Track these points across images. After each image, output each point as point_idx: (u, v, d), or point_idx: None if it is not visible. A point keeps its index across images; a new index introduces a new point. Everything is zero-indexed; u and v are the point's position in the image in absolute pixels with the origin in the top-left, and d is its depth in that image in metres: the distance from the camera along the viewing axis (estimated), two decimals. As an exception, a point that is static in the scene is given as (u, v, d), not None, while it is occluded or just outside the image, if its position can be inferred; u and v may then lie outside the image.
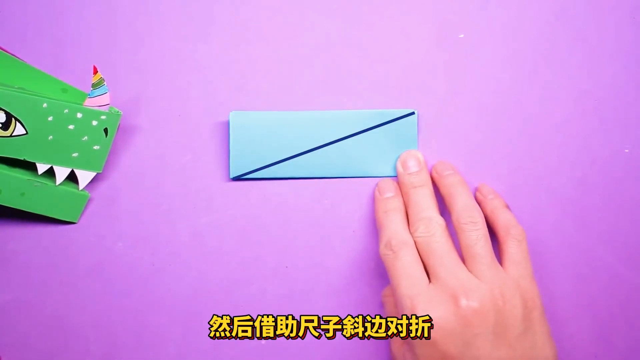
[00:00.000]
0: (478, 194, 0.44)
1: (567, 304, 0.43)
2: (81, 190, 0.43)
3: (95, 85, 0.40)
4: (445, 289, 0.38)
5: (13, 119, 0.40)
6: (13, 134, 0.40)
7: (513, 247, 0.41)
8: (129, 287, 0.44)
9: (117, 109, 0.42)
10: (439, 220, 0.41)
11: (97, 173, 0.43)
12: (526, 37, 0.44)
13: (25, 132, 0.41)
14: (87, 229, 0.44)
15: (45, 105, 0.40)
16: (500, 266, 0.40)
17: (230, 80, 0.44)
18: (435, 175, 0.43)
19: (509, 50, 0.44)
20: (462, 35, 0.44)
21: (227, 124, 0.44)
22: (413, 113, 0.44)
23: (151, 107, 0.44)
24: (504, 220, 0.42)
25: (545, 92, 0.44)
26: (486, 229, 0.40)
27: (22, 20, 0.43)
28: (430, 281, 0.39)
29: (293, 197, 0.44)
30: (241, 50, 0.44)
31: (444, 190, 0.43)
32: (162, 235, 0.44)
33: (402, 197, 0.43)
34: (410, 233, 0.41)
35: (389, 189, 0.43)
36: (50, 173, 0.42)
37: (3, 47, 0.43)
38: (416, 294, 0.38)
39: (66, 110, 0.41)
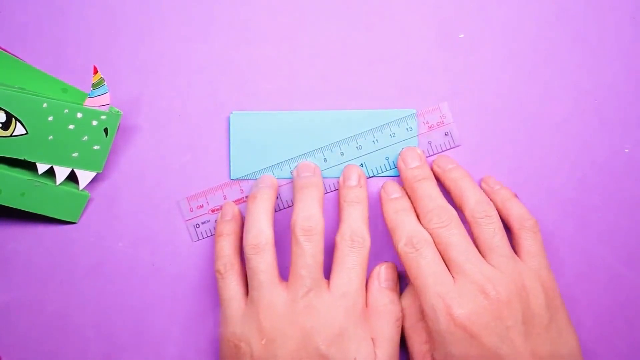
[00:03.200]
0: (484, 185, 0.43)
1: (567, 304, 0.43)
2: (81, 190, 0.43)
3: (95, 85, 0.40)
4: (473, 284, 0.38)
5: (13, 119, 0.40)
6: (13, 134, 0.41)
7: (529, 239, 0.41)
8: (129, 287, 0.44)
9: (117, 109, 0.42)
10: (450, 209, 0.40)
11: (97, 173, 0.43)
12: (526, 37, 0.44)
13: (25, 132, 0.41)
14: (87, 229, 0.44)
15: (45, 105, 0.40)
16: (518, 257, 0.40)
17: (230, 80, 0.44)
18: (437, 169, 0.43)
19: (509, 50, 0.44)
20: (462, 35, 0.44)
21: (227, 124, 0.44)
22: (413, 113, 0.44)
23: (151, 107, 0.44)
24: (517, 212, 0.42)
25: (545, 92, 0.44)
26: (500, 222, 0.41)
27: (22, 20, 0.43)
28: (453, 276, 0.39)
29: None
30: (241, 50, 0.44)
31: (450, 184, 0.42)
32: (162, 235, 0.44)
33: (407, 194, 0.43)
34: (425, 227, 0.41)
35: (396, 190, 0.43)
36: (50, 173, 0.42)
37: (3, 47, 0.43)
38: (447, 292, 0.38)
39: (66, 110, 0.41)
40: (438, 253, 0.40)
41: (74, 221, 0.44)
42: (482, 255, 0.40)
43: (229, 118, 0.44)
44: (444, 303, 0.38)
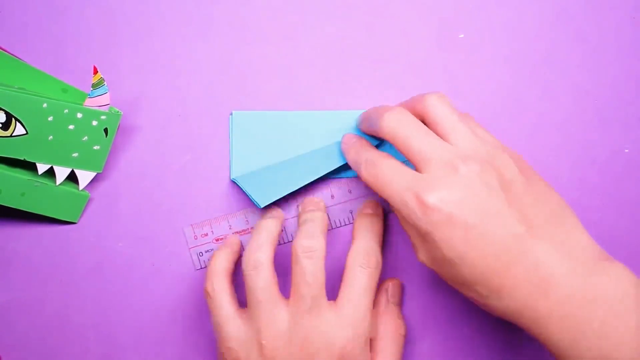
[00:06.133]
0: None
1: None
2: (81, 190, 0.43)
3: (95, 85, 0.40)
4: (440, 165, 0.36)
5: (13, 119, 0.40)
6: (13, 134, 0.41)
7: (471, 123, 0.39)
8: (129, 287, 0.44)
9: (117, 109, 0.42)
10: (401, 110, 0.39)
11: (97, 173, 0.43)
12: (526, 37, 0.44)
13: (25, 132, 0.41)
14: (87, 229, 0.44)
15: (45, 105, 0.40)
16: (475, 131, 0.38)
17: (230, 80, 0.44)
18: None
19: (509, 50, 0.44)
20: (462, 35, 0.44)
21: (228, 123, 0.44)
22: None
23: (151, 107, 0.44)
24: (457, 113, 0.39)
25: (545, 92, 0.44)
26: (452, 107, 0.38)
27: (22, 20, 0.43)
28: (419, 170, 0.37)
29: (294, 196, 0.44)
30: (241, 50, 0.44)
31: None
32: (162, 235, 0.44)
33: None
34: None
35: (352, 137, 0.42)
36: (50, 173, 0.42)
37: (3, 47, 0.43)
38: (414, 182, 0.36)
39: (66, 110, 0.41)
40: (398, 161, 0.38)
41: (74, 221, 0.44)
42: (445, 139, 0.37)
43: (229, 117, 0.44)
44: (413, 193, 0.35)
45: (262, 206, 0.41)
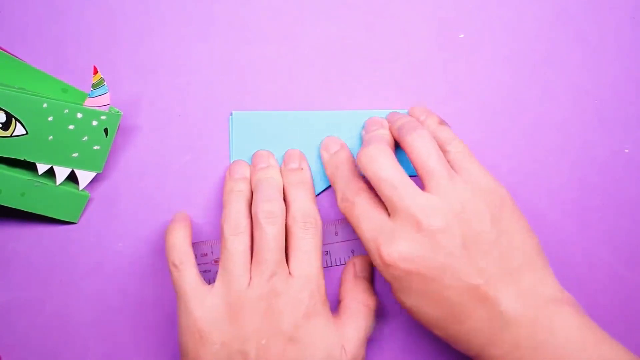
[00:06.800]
0: (411, 115, 0.43)
1: (567, 304, 0.43)
2: (81, 190, 0.43)
3: (95, 85, 0.40)
4: (406, 218, 0.37)
5: (13, 119, 0.40)
6: (13, 134, 0.41)
7: (459, 155, 0.39)
8: (129, 287, 0.44)
9: (117, 109, 0.42)
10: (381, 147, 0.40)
11: (97, 173, 0.43)
12: (526, 37, 0.44)
13: (25, 132, 0.41)
14: (87, 229, 0.44)
15: (45, 105, 0.40)
16: (456, 176, 0.38)
17: (230, 80, 0.44)
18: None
19: (509, 50, 0.44)
20: (462, 35, 0.44)
21: (228, 123, 0.44)
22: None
23: (151, 107, 0.44)
24: (443, 136, 0.40)
25: (545, 92, 0.44)
26: (433, 141, 0.39)
27: (22, 20, 0.43)
28: (389, 215, 0.38)
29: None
30: (241, 50, 0.44)
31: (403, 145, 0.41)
32: (162, 235, 0.44)
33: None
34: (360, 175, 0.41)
35: (335, 143, 0.43)
36: (50, 173, 0.42)
37: (3, 47, 0.43)
38: (379, 232, 0.38)
39: (66, 111, 0.41)
40: (373, 197, 0.39)
41: (74, 221, 0.44)
42: (422, 182, 0.38)
43: (229, 118, 0.44)
44: (375, 244, 0.37)
45: None
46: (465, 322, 0.37)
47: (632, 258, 0.44)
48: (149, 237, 0.44)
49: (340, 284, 0.43)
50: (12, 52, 0.43)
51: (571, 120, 0.44)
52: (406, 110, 0.44)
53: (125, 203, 0.44)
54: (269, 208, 0.39)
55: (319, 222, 0.40)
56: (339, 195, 0.40)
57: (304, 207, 0.40)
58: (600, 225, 0.44)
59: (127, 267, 0.44)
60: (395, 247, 0.37)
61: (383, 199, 0.38)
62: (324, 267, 0.44)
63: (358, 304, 0.41)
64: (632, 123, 0.44)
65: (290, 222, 0.40)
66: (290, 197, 0.41)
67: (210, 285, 0.40)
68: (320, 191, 0.44)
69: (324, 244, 0.44)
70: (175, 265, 0.40)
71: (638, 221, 0.44)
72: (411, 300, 0.37)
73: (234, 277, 0.39)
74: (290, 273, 0.39)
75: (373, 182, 0.39)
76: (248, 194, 0.42)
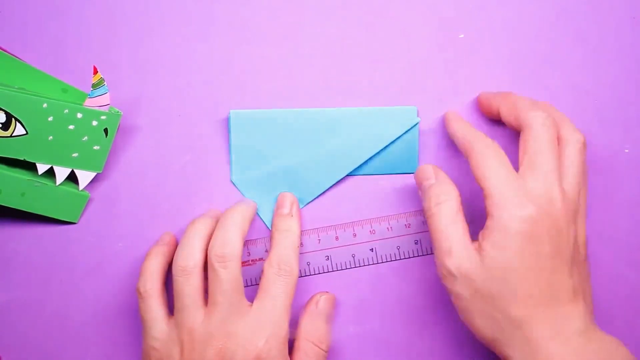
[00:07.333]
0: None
1: (567, 304, 0.43)
2: (81, 190, 0.43)
3: (95, 85, 0.40)
4: (543, 188, 0.38)
5: (13, 119, 0.40)
6: (13, 134, 0.41)
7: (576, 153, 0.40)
8: (129, 287, 0.44)
9: (117, 109, 0.42)
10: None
11: (97, 173, 0.43)
12: (526, 37, 0.44)
13: (25, 132, 0.41)
14: (87, 229, 0.44)
15: (45, 105, 0.40)
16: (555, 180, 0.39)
17: (230, 80, 0.44)
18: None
19: (509, 50, 0.44)
20: (462, 35, 0.44)
21: (227, 123, 0.44)
22: (414, 109, 0.44)
23: (151, 107, 0.44)
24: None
25: (545, 92, 0.44)
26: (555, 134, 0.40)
27: (22, 20, 0.43)
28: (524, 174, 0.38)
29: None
30: (241, 50, 0.44)
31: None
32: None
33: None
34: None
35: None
36: (50, 173, 0.42)
37: (3, 47, 0.43)
38: (518, 187, 0.37)
39: (66, 111, 0.41)
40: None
41: (74, 221, 0.44)
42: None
43: (228, 116, 0.44)
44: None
45: (261, 215, 0.42)
46: (507, 348, 0.38)
47: (632, 258, 0.44)
48: (149, 237, 0.44)
49: (299, 317, 0.43)
50: (12, 52, 0.43)
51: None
52: (414, 108, 0.44)
53: (125, 203, 0.44)
54: (222, 252, 0.39)
55: (295, 272, 0.40)
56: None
57: (283, 254, 0.41)
58: (600, 225, 0.44)
59: (127, 267, 0.44)
60: (534, 209, 0.37)
61: (524, 151, 0.39)
62: (324, 273, 0.44)
63: (313, 346, 0.41)
64: (632, 123, 0.44)
65: (265, 265, 0.40)
66: (273, 242, 0.42)
67: (170, 317, 0.40)
68: (319, 193, 0.44)
69: (324, 249, 0.44)
70: (139, 292, 0.41)
71: (638, 221, 0.44)
72: (462, 316, 0.39)
73: (188, 314, 0.39)
74: (250, 311, 0.39)
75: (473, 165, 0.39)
76: (209, 229, 0.41)
